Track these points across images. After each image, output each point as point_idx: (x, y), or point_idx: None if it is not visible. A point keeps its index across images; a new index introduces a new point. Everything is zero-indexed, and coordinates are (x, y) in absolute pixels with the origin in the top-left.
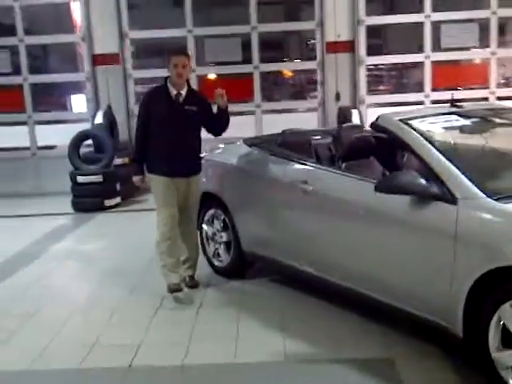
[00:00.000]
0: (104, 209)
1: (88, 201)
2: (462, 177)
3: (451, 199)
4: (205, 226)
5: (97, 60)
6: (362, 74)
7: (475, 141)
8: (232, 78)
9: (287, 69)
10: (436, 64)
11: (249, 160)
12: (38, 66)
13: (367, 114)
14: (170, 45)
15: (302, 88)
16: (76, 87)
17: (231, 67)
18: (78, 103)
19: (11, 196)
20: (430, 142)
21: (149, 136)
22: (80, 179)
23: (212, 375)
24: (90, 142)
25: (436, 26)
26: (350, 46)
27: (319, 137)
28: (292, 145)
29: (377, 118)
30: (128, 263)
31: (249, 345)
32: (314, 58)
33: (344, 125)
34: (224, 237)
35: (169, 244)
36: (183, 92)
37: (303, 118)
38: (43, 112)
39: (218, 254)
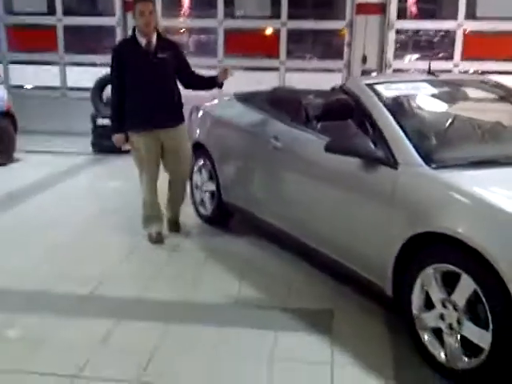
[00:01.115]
0: (120, 152)
1: (105, 143)
2: (407, 143)
3: (393, 164)
4: (194, 176)
5: (127, 5)
6: (391, 38)
7: (433, 110)
8: (259, 32)
9: (315, 27)
10: (469, 33)
11: (233, 113)
12: (73, 7)
13: None
14: None
15: (329, 48)
16: (109, 31)
17: (259, 22)
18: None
19: (40, 133)
20: (386, 107)
21: (124, 90)
22: (99, 121)
23: (160, 309)
24: None
25: None
26: (380, 9)
27: (310, 96)
28: (278, 102)
29: (346, 80)
30: (126, 203)
31: (206, 287)
32: (343, 18)
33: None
34: (209, 186)
35: (152, 199)
36: (153, 40)
37: (327, 79)
38: (75, 54)
39: (204, 203)
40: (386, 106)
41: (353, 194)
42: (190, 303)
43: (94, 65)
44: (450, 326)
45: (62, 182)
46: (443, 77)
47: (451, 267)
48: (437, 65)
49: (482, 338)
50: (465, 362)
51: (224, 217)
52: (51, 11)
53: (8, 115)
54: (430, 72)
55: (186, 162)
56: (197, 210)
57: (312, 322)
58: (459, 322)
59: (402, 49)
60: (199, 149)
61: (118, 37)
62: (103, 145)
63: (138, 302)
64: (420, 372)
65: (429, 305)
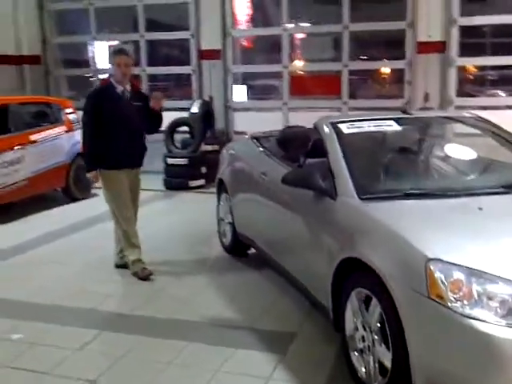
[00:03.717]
0: (188, 188)
1: (175, 180)
2: (347, 176)
3: (333, 195)
4: (220, 209)
5: (203, 54)
6: (452, 76)
7: (385, 146)
8: (321, 74)
9: (375, 67)
10: None
11: (243, 152)
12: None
13: None
14: (268, 41)
15: (389, 87)
16: (185, 79)
17: (322, 64)
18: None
19: None
20: (340, 144)
21: (100, 134)
22: (169, 161)
23: (146, 325)
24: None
25: None
26: (441, 47)
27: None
28: (282, 141)
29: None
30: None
31: (191, 307)
32: (403, 58)
33: None
34: (229, 218)
35: (133, 229)
36: (128, 88)
37: None
38: None
39: (225, 234)
40: (340, 143)
41: (307, 220)
42: (173, 320)
43: (169, 110)
44: (368, 348)
45: None
46: (419, 114)
47: (365, 291)
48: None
49: (387, 357)
50: (379, 381)
51: (241, 247)
52: (137, 63)
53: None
54: (404, 111)
55: (138, 199)
56: (221, 241)
57: (272, 343)
58: (374, 344)
59: (465, 85)
60: (221, 184)
61: (194, 83)
62: (173, 182)
63: (125, 317)
64: None
65: (357, 327)
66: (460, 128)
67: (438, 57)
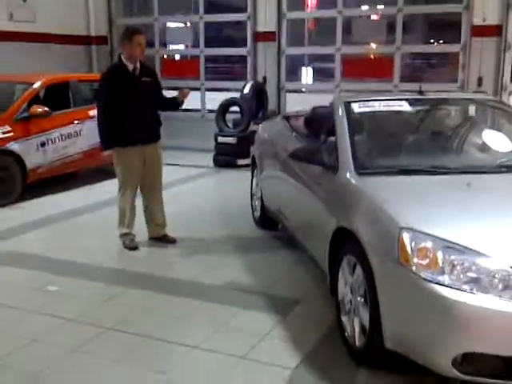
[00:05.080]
0: (236, 166)
1: (224, 158)
2: (349, 152)
3: (335, 169)
4: (253, 185)
5: (258, 37)
6: (508, 61)
7: (391, 126)
8: (374, 57)
9: (429, 51)
10: None
11: (272, 130)
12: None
13: (509, 101)
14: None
15: (443, 70)
16: (240, 60)
17: (374, 47)
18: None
19: (180, 149)
20: (348, 121)
21: (113, 111)
22: (219, 139)
23: (167, 285)
24: None
25: None
26: (497, 31)
27: None
28: (309, 119)
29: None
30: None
31: (216, 272)
32: (458, 41)
33: None
34: (258, 193)
35: (132, 205)
36: (138, 66)
37: None
38: (213, 81)
39: (256, 208)
40: (348, 121)
41: (314, 193)
42: (195, 282)
43: (227, 90)
44: (354, 310)
45: (178, 186)
46: (434, 95)
47: (353, 258)
48: None
49: (366, 319)
50: (361, 340)
51: (269, 220)
52: (195, 44)
53: None
54: (420, 91)
55: (161, 173)
56: (253, 215)
57: (277, 306)
58: (358, 307)
59: None
60: (254, 161)
61: (249, 64)
62: (222, 160)
63: (146, 276)
64: (334, 351)
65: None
66: (473, 110)
67: (493, 41)
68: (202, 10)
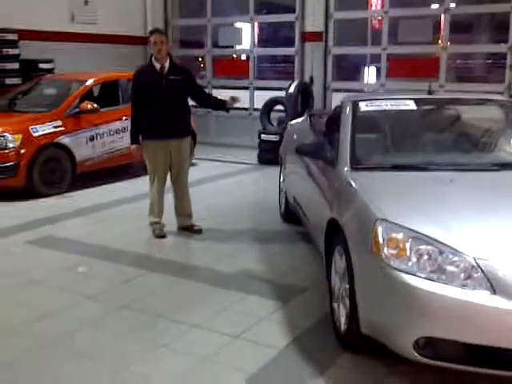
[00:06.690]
0: (278, 163)
1: (267, 155)
2: (348, 149)
3: (333, 164)
4: (281, 181)
5: (305, 37)
6: None
7: (394, 124)
8: (419, 57)
9: (476, 51)
10: None
11: (296, 128)
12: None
13: None
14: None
15: (488, 71)
16: (288, 59)
17: (420, 47)
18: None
19: (228, 146)
20: (352, 120)
21: (143, 108)
22: (263, 136)
23: (184, 270)
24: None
25: None
26: None
27: None
28: (331, 118)
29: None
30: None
31: (232, 261)
32: (506, 41)
33: None
34: (284, 188)
35: (160, 197)
36: (166, 65)
37: None
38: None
39: (282, 202)
40: (352, 119)
41: (319, 187)
42: (211, 269)
43: (273, 89)
44: (341, 297)
45: (218, 181)
46: (442, 96)
47: (341, 248)
48: None
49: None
50: (344, 326)
51: (293, 214)
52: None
53: None
54: (429, 91)
55: (186, 167)
56: (280, 209)
57: (282, 294)
58: (343, 294)
59: None
60: (280, 157)
61: (296, 64)
62: (265, 156)
63: (167, 261)
64: (323, 336)
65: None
66: (481, 110)
67: None
68: (252, 11)
